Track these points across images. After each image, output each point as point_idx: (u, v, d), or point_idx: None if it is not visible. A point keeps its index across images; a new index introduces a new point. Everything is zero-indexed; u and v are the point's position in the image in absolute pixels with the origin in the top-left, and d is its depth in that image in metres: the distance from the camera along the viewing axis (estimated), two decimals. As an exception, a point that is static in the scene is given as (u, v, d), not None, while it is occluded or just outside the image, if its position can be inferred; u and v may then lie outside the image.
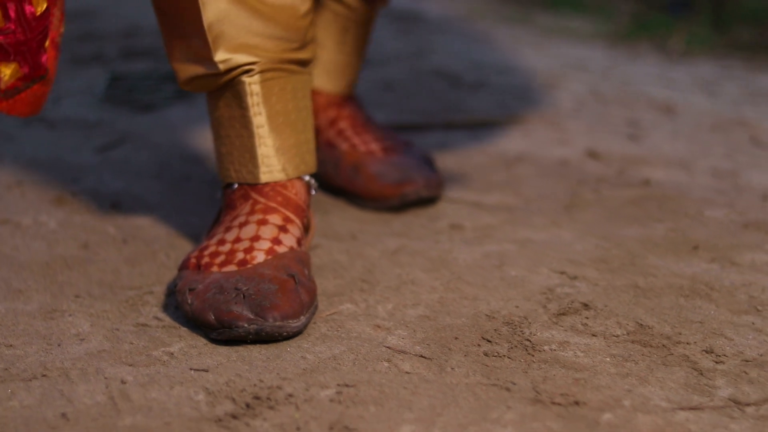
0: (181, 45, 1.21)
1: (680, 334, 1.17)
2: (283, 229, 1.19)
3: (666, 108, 2.19)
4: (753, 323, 1.20)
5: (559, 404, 1.04)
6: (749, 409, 1.05)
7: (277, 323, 1.07)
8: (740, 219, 1.50)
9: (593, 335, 1.17)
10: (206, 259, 1.17)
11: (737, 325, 1.20)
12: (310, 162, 1.25)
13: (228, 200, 1.24)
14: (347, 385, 1.05)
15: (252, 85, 1.20)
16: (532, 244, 1.39)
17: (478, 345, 1.14)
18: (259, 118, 1.21)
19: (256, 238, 1.18)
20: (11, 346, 1.13)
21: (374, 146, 1.50)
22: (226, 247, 1.18)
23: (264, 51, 1.20)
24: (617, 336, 1.17)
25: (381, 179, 1.45)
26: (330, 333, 1.16)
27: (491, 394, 1.05)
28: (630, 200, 1.57)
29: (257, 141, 1.21)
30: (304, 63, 1.24)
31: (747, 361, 1.13)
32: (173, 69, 1.23)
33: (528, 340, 1.15)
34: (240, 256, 1.16)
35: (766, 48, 3.11)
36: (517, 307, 1.22)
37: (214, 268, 1.16)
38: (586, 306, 1.22)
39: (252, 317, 1.06)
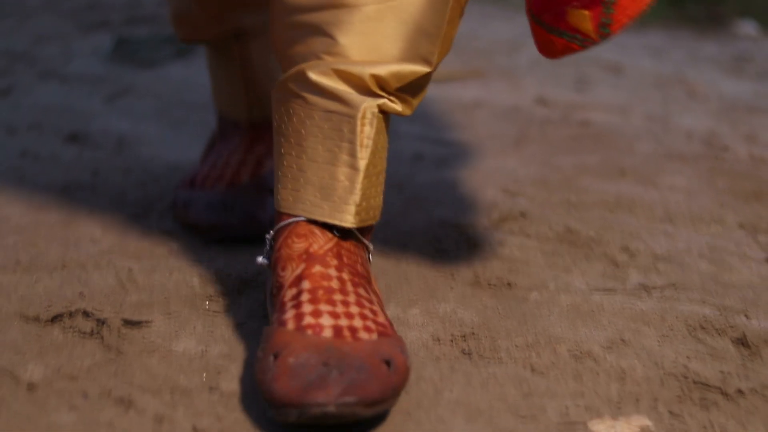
0: (177, 8, 1.30)
1: (602, 236, 1.32)
2: (267, 155, 1.29)
3: (614, 68, 2.33)
4: (665, 230, 1.35)
5: (494, 286, 1.19)
6: (654, 292, 1.20)
7: (261, 229, 1.20)
8: (665, 152, 1.65)
9: (527, 236, 1.31)
10: (200, 181, 1.29)
11: (652, 231, 1.35)
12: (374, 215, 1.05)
13: (221, 129, 1.35)
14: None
15: (241, 48, 1.33)
16: (482, 170, 1.54)
17: (430, 243, 1.28)
18: (245, 75, 1.32)
19: (243, 162, 1.29)
20: (35, 245, 1.27)
21: (324, 321, 0.97)
22: (217, 172, 1.29)
23: (252, 24, 1.32)
24: (548, 237, 1.31)
25: (291, 378, 0.90)
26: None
27: (438, 279, 1.20)
28: (570, 137, 1.71)
29: (244, 92, 1.33)
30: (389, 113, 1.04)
31: (656, 257, 1.28)
32: (172, 25, 1.31)
33: (471, 240, 1.30)
34: (228, 178, 1.28)
35: (714, 21, 3.25)
36: (464, 216, 1.37)
37: (206, 188, 1.27)
38: (523, 215, 1.37)
39: (240, 223, 1.24)
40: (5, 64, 2.14)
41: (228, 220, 1.22)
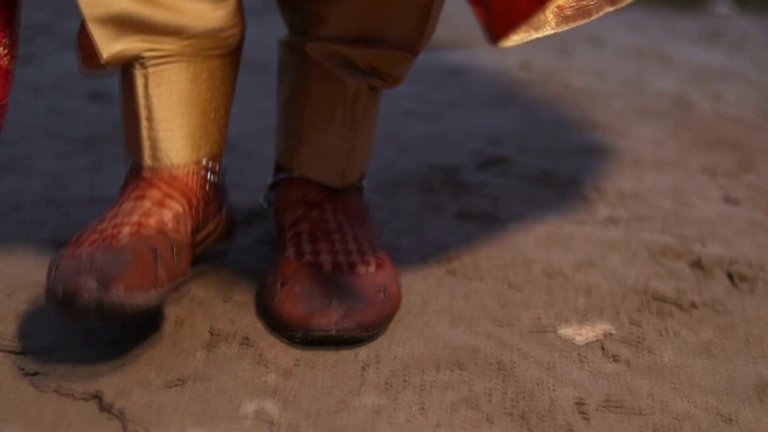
0: (80, 30, 1.03)
1: (575, 178, 1.42)
2: (158, 203, 1.00)
3: (595, 40, 2.42)
4: (633, 173, 1.45)
5: (478, 218, 1.29)
6: (621, 224, 1.29)
7: (121, 295, 0.87)
8: (636, 109, 1.74)
9: (508, 177, 1.41)
10: (83, 240, 0.96)
11: (621, 174, 1.44)
12: (205, 147, 1.05)
13: (124, 182, 1.06)
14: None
15: (140, 72, 1.01)
16: (468, 124, 1.63)
17: (420, 184, 1.38)
18: (144, 102, 1.02)
19: (128, 213, 0.98)
20: (64, 187, 1.37)
21: (324, 258, 1.06)
22: (102, 225, 0.98)
23: (162, 43, 1.01)
24: (527, 178, 1.41)
25: (296, 303, 1.01)
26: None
27: (427, 213, 1.29)
28: (550, 97, 1.81)
29: (143, 124, 1.02)
30: (218, 50, 1.03)
31: (624, 195, 1.38)
32: (75, 50, 1.06)
33: (458, 181, 1.39)
34: (109, 232, 0.96)
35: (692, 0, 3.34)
36: (452, 161, 1.46)
37: (85, 246, 0.94)
38: (504, 160, 1.47)
39: (95, 288, 0.86)
40: (29, 35, 2.23)
41: (82, 285, 0.87)
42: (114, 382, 0.94)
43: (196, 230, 1.05)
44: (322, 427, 0.91)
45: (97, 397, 0.94)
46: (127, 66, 1.02)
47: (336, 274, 1.04)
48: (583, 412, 0.94)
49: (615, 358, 1.03)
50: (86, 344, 1.01)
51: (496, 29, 0.83)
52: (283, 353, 1.01)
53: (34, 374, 0.97)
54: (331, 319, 0.99)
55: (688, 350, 1.05)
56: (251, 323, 1.06)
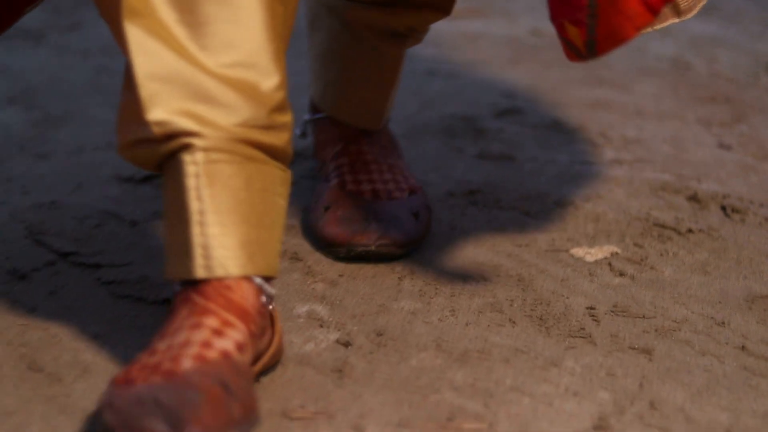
0: (125, 100, 0.90)
1: (583, 126, 1.52)
2: (217, 332, 0.85)
3: (597, 12, 2.51)
4: (636, 123, 1.55)
5: (496, 158, 1.38)
6: (625, 164, 1.39)
7: None
8: (638, 68, 1.84)
9: (522, 126, 1.51)
10: (134, 374, 0.84)
11: (625, 123, 1.54)
12: (261, 264, 0.89)
13: (172, 306, 0.90)
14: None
15: (192, 165, 0.87)
16: (484, 81, 1.73)
17: (442, 131, 1.48)
18: (197, 204, 0.87)
19: (185, 343, 0.84)
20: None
21: (364, 187, 1.15)
22: (156, 359, 0.84)
23: (212, 124, 0.87)
24: (539, 126, 1.51)
25: (339, 225, 1.12)
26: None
27: (449, 153, 1.39)
28: (559, 58, 1.90)
29: (194, 230, 0.87)
30: (268, 150, 0.91)
31: (628, 141, 1.47)
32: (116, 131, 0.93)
33: (477, 128, 1.49)
34: (166, 365, 0.83)
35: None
36: (471, 111, 1.56)
37: (140, 381, 0.82)
38: (518, 111, 1.56)
39: (166, 431, 0.77)
40: (71, 5, 2.32)
41: (149, 427, 0.77)
42: (184, 286, 1.04)
43: (253, 362, 0.90)
44: (365, 325, 1.01)
45: (167, 301, 1.04)
46: (171, 160, 0.88)
47: (375, 200, 1.15)
48: (593, 316, 1.05)
49: (621, 274, 1.13)
50: (154, 260, 1.12)
51: (601, 46, 0.86)
52: (328, 267, 1.11)
53: (110, 283, 1.07)
54: (371, 238, 1.10)
55: (686, 268, 1.15)
56: (299, 243, 1.16)
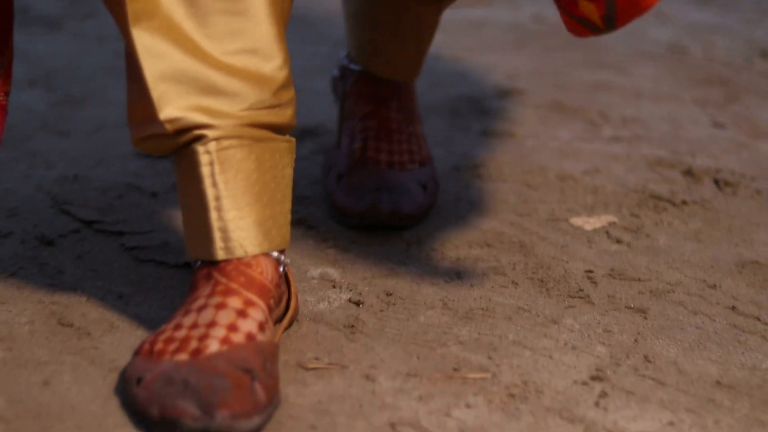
0: (134, 98, 0.93)
1: (583, 106, 1.56)
2: (242, 313, 0.90)
3: (598, 2, 2.55)
4: (634, 103, 1.59)
5: (500, 136, 1.43)
6: (623, 141, 1.44)
7: (226, 422, 0.81)
8: (636, 53, 1.88)
9: (525, 105, 1.55)
10: (159, 345, 0.88)
11: (623, 103, 1.58)
12: (277, 239, 0.95)
13: (192, 280, 0.95)
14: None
15: (205, 155, 0.91)
16: (488, 64, 1.77)
17: (448, 111, 1.52)
18: (212, 191, 0.91)
19: (212, 324, 0.89)
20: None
21: (382, 157, 1.20)
22: (181, 333, 0.89)
23: (221, 114, 0.91)
24: (541, 106, 1.55)
25: (351, 195, 1.16)
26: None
27: (455, 132, 1.44)
28: (560, 43, 1.94)
29: (212, 215, 0.91)
30: (275, 127, 0.95)
31: (626, 120, 1.52)
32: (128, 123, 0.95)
33: (481, 107, 1.53)
34: (193, 344, 0.88)
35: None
36: (475, 92, 1.60)
37: (167, 356, 0.87)
38: (521, 92, 1.61)
39: (198, 415, 0.81)
40: (87, -5, 2.37)
41: (182, 409, 0.82)
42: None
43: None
44: (375, 286, 1.06)
45: (188, 265, 1.08)
46: (185, 150, 0.92)
47: (389, 170, 1.19)
48: (591, 279, 1.09)
49: (618, 241, 1.17)
50: (174, 227, 1.16)
51: (621, 17, 0.86)
52: (340, 234, 1.16)
53: (133, 249, 1.12)
54: (383, 209, 1.15)
55: (680, 236, 1.19)
56: (312, 212, 1.20)
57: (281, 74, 0.93)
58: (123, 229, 1.15)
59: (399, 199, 1.16)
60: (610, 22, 0.87)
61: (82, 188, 1.24)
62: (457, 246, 1.14)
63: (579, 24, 0.90)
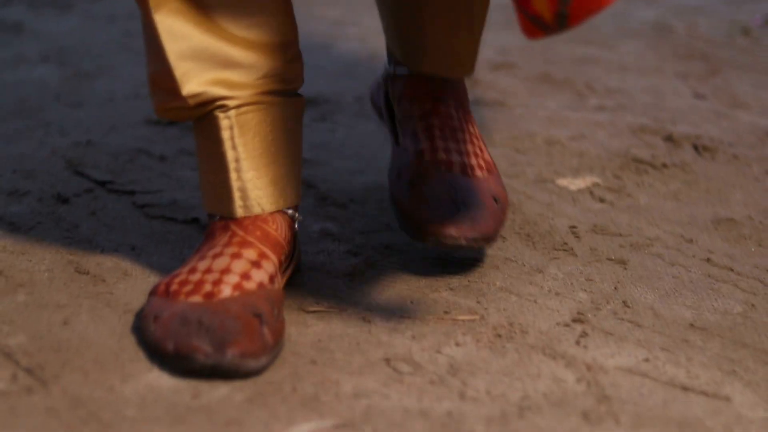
0: (155, 73, 0.97)
1: (570, 78, 1.60)
2: (255, 264, 0.95)
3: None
4: (619, 76, 1.63)
5: (491, 105, 1.47)
6: (607, 110, 1.48)
7: (236, 360, 0.86)
8: (622, 31, 1.92)
9: (515, 77, 1.59)
10: (175, 287, 0.93)
11: (609, 76, 1.63)
12: (291, 196, 1.00)
13: (209, 229, 0.99)
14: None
15: (225, 120, 0.96)
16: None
17: (442, 82, 1.57)
18: (232, 153, 0.97)
19: (226, 270, 0.94)
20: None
21: (454, 158, 1.08)
22: (196, 277, 0.94)
23: (239, 84, 0.96)
24: (530, 78, 1.59)
25: (425, 207, 1.03)
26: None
27: (448, 100, 1.48)
28: (550, 22, 1.99)
29: (232, 176, 0.97)
30: (287, 91, 1.00)
31: (611, 91, 1.56)
32: (150, 95, 0.99)
33: (473, 79, 1.58)
34: (207, 288, 0.93)
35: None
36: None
37: (181, 297, 0.92)
38: (511, 65, 1.65)
39: (210, 351, 0.86)
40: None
41: (198, 347, 0.86)
42: (211, 205, 1.12)
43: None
44: (373, 240, 1.10)
45: (196, 220, 1.13)
46: (206, 117, 0.97)
47: (463, 177, 1.05)
48: (575, 234, 1.13)
49: (601, 200, 1.21)
50: (182, 187, 1.20)
51: (574, 16, 0.82)
52: (339, 194, 1.20)
53: (143, 206, 1.16)
54: (461, 230, 1.00)
55: (660, 196, 1.23)
56: (312, 173, 1.24)
57: (292, 43, 0.99)
58: (134, 188, 1.20)
59: (476, 217, 1.01)
60: (563, 20, 0.83)
61: (94, 153, 1.29)
62: (449, 204, 1.18)
63: (531, 23, 0.86)
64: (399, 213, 1.05)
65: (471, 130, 1.11)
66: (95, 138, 1.34)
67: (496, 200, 1.05)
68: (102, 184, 1.20)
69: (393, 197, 1.06)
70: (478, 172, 1.07)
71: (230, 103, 0.95)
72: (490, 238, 1.01)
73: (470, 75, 1.14)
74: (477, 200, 1.03)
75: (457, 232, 0.99)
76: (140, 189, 1.20)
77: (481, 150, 1.10)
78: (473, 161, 1.08)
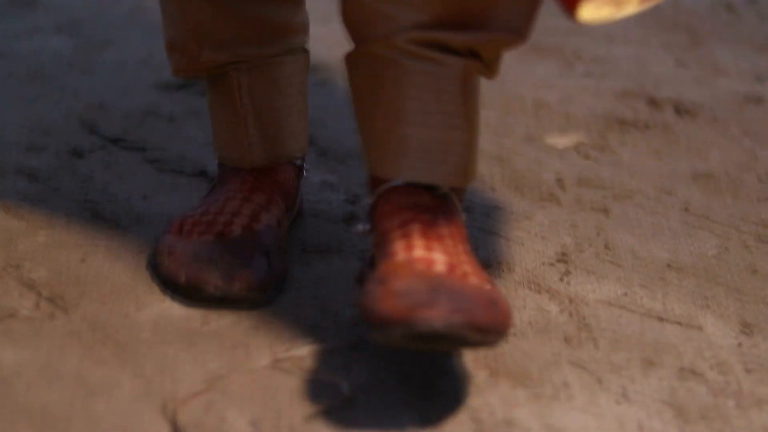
0: (172, 39, 1.02)
1: (559, 47, 1.64)
2: (264, 208, 0.99)
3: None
4: (605, 46, 1.67)
5: (482, 70, 1.52)
6: (594, 77, 1.52)
7: (243, 293, 0.90)
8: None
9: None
10: (188, 227, 0.97)
11: (596, 46, 1.67)
12: (299, 147, 1.03)
13: (221, 175, 1.04)
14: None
15: (238, 77, 1.00)
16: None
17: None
18: (244, 107, 1.01)
19: (237, 213, 0.98)
20: (155, 57, 1.60)
21: (437, 256, 0.83)
22: (208, 218, 0.98)
23: (251, 55, 1.00)
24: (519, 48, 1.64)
25: (396, 299, 0.77)
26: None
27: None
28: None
29: (244, 129, 1.01)
30: (295, 50, 1.03)
31: (597, 59, 1.60)
32: (167, 57, 1.04)
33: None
34: (219, 228, 0.96)
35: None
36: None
37: (194, 235, 0.96)
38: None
39: (220, 284, 0.90)
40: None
41: (208, 279, 0.91)
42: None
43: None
44: (370, 190, 1.14)
45: (203, 173, 1.17)
46: (220, 75, 1.01)
47: (449, 275, 0.80)
48: (561, 186, 1.18)
49: (586, 157, 1.26)
50: (190, 145, 1.25)
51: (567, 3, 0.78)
52: (338, 149, 1.24)
53: (153, 161, 1.21)
54: (439, 311, 0.75)
55: (642, 153, 1.28)
56: (311, 131, 1.29)
57: (302, 22, 1.04)
58: (144, 146, 1.24)
59: (463, 304, 0.77)
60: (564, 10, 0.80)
61: (107, 114, 1.33)
62: (442, 159, 1.22)
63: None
64: (363, 313, 0.80)
65: (465, 248, 0.87)
66: (108, 101, 1.38)
67: (495, 305, 0.79)
68: (114, 141, 1.25)
69: (359, 303, 0.82)
70: (473, 279, 0.82)
71: (243, 66, 1.00)
72: (480, 329, 0.76)
73: (465, 184, 0.90)
74: (467, 294, 0.78)
75: (433, 314, 0.75)
76: (150, 146, 1.24)
77: (480, 268, 0.86)
78: (466, 268, 0.83)
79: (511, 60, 1.56)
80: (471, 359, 0.85)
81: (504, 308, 0.79)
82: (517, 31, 0.86)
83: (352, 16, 0.88)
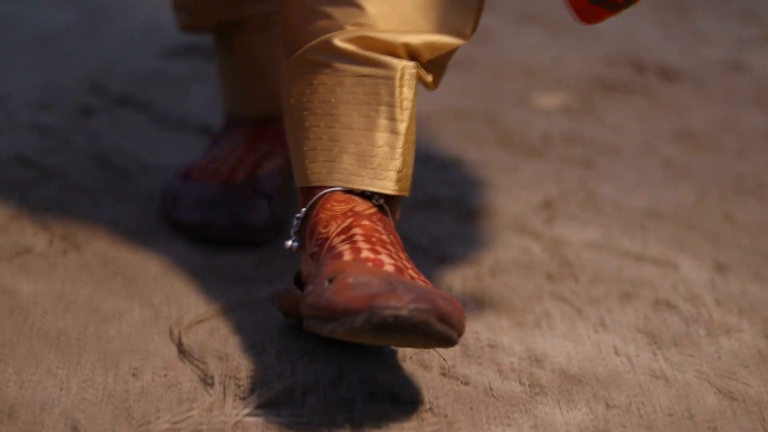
0: (181, 5, 1.09)
1: (548, 18, 1.69)
2: (267, 156, 1.04)
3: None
4: (594, 17, 1.72)
5: (473, 42, 1.56)
6: (582, 45, 1.57)
7: (246, 233, 0.96)
8: None
9: (498, 17, 1.68)
10: (194, 174, 1.02)
11: (585, 17, 1.72)
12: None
13: (226, 126, 1.09)
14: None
15: (241, 35, 1.06)
16: None
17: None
18: (250, 64, 1.07)
19: (241, 161, 1.03)
20: (161, 22, 1.64)
21: (384, 259, 0.76)
22: (214, 165, 1.03)
23: (249, 16, 1.06)
24: (510, 20, 1.68)
25: (353, 290, 0.71)
26: None
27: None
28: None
29: (250, 84, 1.07)
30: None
31: (585, 29, 1.65)
32: (173, 14, 1.10)
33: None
34: (223, 174, 1.01)
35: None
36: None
37: (200, 181, 1.01)
38: (491, 8, 1.74)
39: (226, 225, 0.96)
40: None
41: (213, 220, 0.97)
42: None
43: None
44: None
45: (206, 130, 1.22)
46: (225, 32, 1.06)
47: (398, 274, 0.75)
48: (547, 140, 1.22)
49: (572, 117, 1.31)
50: (193, 105, 1.29)
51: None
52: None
53: (159, 121, 1.25)
54: (402, 299, 0.70)
55: (626, 115, 1.32)
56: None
57: None
58: (149, 107, 1.29)
59: (424, 293, 0.71)
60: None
61: (113, 77, 1.38)
62: (434, 119, 1.27)
63: (593, 4, 0.79)
64: (316, 313, 0.72)
65: (407, 256, 0.81)
66: (114, 66, 1.42)
67: (449, 300, 0.74)
68: (121, 102, 1.29)
69: (307, 306, 0.73)
70: (421, 281, 0.77)
71: (245, 26, 1.05)
72: (443, 318, 0.71)
73: (399, 193, 0.83)
74: (422, 287, 0.73)
75: (397, 302, 0.69)
76: (156, 107, 1.28)
77: (424, 277, 0.79)
78: (412, 273, 0.77)
79: (501, 27, 1.60)
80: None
81: (460, 308, 0.74)
82: (459, 33, 0.84)
83: (293, 22, 0.84)
